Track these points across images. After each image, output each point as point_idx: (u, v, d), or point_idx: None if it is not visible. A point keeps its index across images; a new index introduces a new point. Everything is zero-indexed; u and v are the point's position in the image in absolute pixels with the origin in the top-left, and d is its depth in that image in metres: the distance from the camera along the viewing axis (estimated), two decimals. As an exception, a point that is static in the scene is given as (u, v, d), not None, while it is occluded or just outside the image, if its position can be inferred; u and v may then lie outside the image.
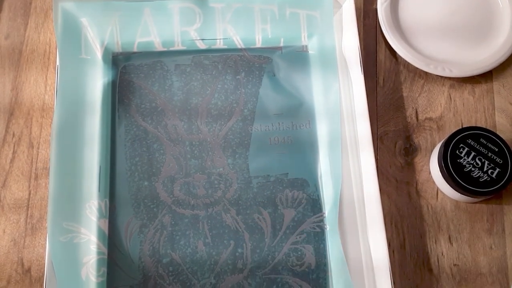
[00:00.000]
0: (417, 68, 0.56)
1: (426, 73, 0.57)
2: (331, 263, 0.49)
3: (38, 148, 0.53)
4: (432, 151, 0.54)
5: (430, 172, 0.53)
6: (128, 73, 0.54)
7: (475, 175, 0.49)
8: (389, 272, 0.47)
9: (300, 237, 0.50)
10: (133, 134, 0.52)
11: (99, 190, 0.49)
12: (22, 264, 0.49)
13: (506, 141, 0.50)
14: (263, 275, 0.48)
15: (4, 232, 0.50)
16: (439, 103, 0.56)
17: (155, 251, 0.49)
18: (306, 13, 0.56)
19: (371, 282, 0.47)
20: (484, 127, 0.51)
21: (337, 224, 0.48)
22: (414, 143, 0.54)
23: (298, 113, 0.54)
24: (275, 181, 0.51)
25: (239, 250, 0.49)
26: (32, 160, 0.52)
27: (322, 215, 0.50)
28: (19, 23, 0.58)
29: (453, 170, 0.49)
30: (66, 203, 0.48)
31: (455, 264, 0.50)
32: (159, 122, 0.53)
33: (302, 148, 0.52)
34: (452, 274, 0.50)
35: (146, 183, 0.51)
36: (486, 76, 0.57)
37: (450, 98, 0.56)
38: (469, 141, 0.50)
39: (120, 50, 0.55)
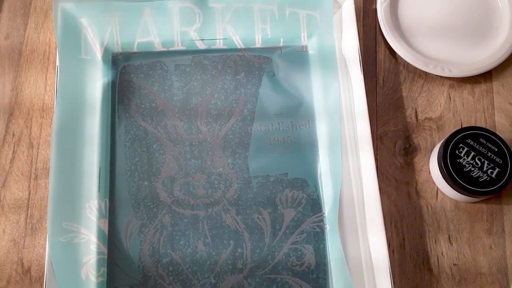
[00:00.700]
0: (416, 68, 0.56)
1: (425, 73, 0.57)
2: (331, 263, 0.49)
3: (38, 148, 0.53)
4: (431, 151, 0.54)
5: (429, 172, 0.53)
6: (128, 73, 0.54)
7: (475, 175, 0.49)
8: (389, 272, 0.47)
9: (300, 237, 0.50)
10: (133, 134, 0.52)
11: (99, 190, 0.49)
12: (22, 264, 0.49)
13: (505, 141, 0.50)
14: (263, 275, 0.48)
15: (4, 232, 0.50)
16: (439, 103, 0.56)
17: (155, 251, 0.49)
18: (305, 13, 0.56)
19: (371, 282, 0.47)
20: (483, 127, 0.52)
21: (337, 224, 0.48)
22: (413, 143, 0.54)
23: (297, 113, 0.54)
24: (275, 181, 0.51)
25: (239, 250, 0.49)
26: (32, 160, 0.52)
27: (322, 215, 0.50)
28: (19, 23, 0.58)
29: (452, 170, 0.49)
30: (66, 203, 0.48)
31: (455, 264, 0.50)
32: (159, 122, 0.53)
33: (302, 148, 0.52)
34: (452, 274, 0.50)
35: (146, 183, 0.51)
36: (486, 76, 0.57)
37: (450, 98, 0.56)
38: (469, 141, 0.50)
39: (120, 50, 0.55)
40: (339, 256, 0.48)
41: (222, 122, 0.53)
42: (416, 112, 0.56)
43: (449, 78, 0.57)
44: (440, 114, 0.56)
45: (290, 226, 0.50)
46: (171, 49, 0.55)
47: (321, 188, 0.51)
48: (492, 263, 0.50)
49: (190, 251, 0.49)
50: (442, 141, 0.51)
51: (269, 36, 0.56)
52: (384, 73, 0.57)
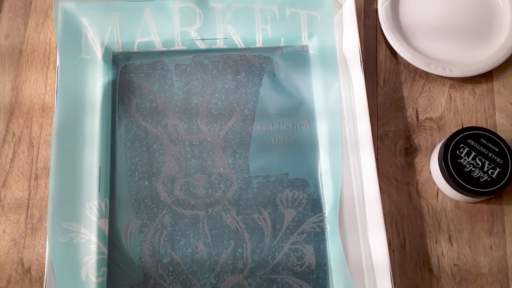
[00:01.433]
0: (417, 68, 0.56)
1: (426, 73, 0.57)
2: (331, 263, 0.48)
3: (38, 148, 0.53)
4: (432, 151, 0.54)
5: (430, 172, 0.53)
6: (128, 73, 0.54)
7: (476, 175, 0.49)
8: (389, 272, 0.47)
9: (300, 237, 0.50)
10: (133, 134, 0.52)
11: (99, 190, 0.49)
12: (22, 264, 0.49)
13: (506, 141, 0.50)
14: (263, 275, 0.48)
15: (4, 232, 0.50)
16: (440, 103, 0.56)
17: (155, 251, 0.48)
18: (306, 13, 0.56)
19: (371, 282, 0.47)
20: (484, 127, 0.51)
21: (337, 224, 0.48)
22: (414, 143, 0.54)
23: (298, 113, 0.54)
24: (275, 181, 0.51)
25: (239, 250, 0.49)
26: (32, 160, 0.52)
27: (322, 215, 0.50)
28: (19, 23, 0.58)
29: (453, 170, 0.49)
30: (66, 203, 0.48)
31: (455, 264, 0.50)
32: (159, 122, 0.53)
33: (303, 148, 0.52)
34: (452, 274, 0.50)
35: (146, 183, 0.50)
36: (487, 76, 0.57)
37: (451, 98, 0.56)
38: (470, 141, 0.50)
39: (120, 50, 0.55)
40: (339, 256, 0.48)
41: (223, 122, 0.53)
42: (416, 112, 0.56)
43: (450, 78, 0.57)
44: (441, 114, 0.56)
45: (291, 226, 0.50)
46: (171, 48, 0.55)
47: (321, 188, 0.51)
48: (492, 264, 0.50)
49: (190, 251, 0.49)
50: (442, 141, 0.51)
51: (270, 36, 0.56)
52: (385, 73, 0.57)
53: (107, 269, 0.47)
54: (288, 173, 0.51)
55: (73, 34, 0.53)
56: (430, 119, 0.55)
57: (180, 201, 0.50)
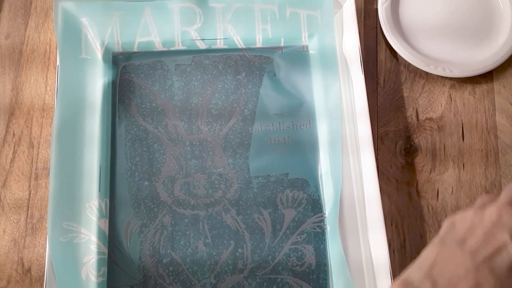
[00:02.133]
0: (417, 68, 0.56)
1: (426, 73, 0.57)
2: (332, 263, 0.48)
3: (38, 148, 0.53)
4: (432, 151, 0.54)
5: (430, 172, 0.53)
6: (129, 73, 0.54)
7: None
8: (389, 272, 0.47)
9: (300, 237, 0.50)
10: (133, 134, 0.52)
11: (99, 190, 0.49)
12: (22, 264, 0.49)
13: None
14: (263, 275, 0.48)
15: (4, 232, 0.50)
16: (440, 103, 0.56)
17: (155, 251, 0.48)
18: (306, 13, 0.56)
19: (372, 282, 0.47)
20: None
21: (338, 224, 0.48)
22: (414, 143, 0.54)
23: (298, 113, 0.54)
24: (276, 181, 0.51)
25: (239, 250, 0.49)
26: (32, 160, 0.52)
27: (322, 215, 0.50)
28: (19, 23, 0.57)
29: None
30: (66, 203, 0.48)
31: (456, 265, 0.50)
32: (159, 122, 0.53)
33: (303, 148, 0.52)
34: (452, 275, 0.50)
35: (146, 183, 0.50)
36: (487, 77, 0.57)
37: (451, 98, 0.56)
38: None
39: (120, 50, 0.55)
40: (339, 257, 0.48)
41: (223, 122, 0.53)
42: (417, 112, 0.56)
43: (450, 79, 0.57)
44: (441, 114, 0.56)
45: (291, 226, 0.50)
46: (171, 48, 0.55)
47: (321, 188, 0.51)
48: (492, 264, 0.50)
49: (191, 251, 0.49)
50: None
51: (270, 36, 0.55)
52: (385, 73, 0.57)
53: (107, 269, 0.47)
54: (288, 173, 0.51)
55: (73, 34, 0.53)
56: (430, 119, 0.55)
57: (180, 201, 0.50)
